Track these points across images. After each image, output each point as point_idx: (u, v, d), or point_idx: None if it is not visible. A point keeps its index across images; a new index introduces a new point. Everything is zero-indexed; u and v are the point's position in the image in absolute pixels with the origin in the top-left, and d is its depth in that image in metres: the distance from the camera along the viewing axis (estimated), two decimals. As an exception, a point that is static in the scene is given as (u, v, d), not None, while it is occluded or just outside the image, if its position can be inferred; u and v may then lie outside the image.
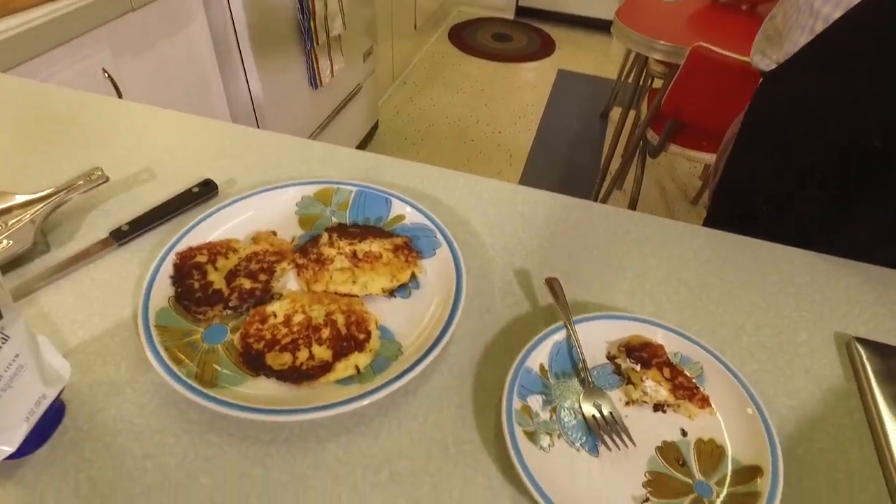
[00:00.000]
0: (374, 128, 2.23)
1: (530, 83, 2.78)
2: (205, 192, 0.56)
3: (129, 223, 0.52)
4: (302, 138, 0.67)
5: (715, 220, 0.77)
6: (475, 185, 0.62)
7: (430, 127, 2.38)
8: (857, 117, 0.58)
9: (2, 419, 0.35)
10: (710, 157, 1.68)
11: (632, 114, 1.97)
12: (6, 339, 0.34)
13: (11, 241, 0.50)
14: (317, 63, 1.63)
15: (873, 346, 0.48)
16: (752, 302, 0.51)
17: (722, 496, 0.37)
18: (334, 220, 0.56)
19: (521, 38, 3.28)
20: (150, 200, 0.55)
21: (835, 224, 0.63)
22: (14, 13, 0.89)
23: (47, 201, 0.53)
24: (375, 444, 0.40)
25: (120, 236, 0.51)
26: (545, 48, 3.19)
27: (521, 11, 3.53)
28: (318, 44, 1.60)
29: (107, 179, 0.56)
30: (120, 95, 1.08)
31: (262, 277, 0.47)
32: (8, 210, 0.52)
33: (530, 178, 2.15)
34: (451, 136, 2.34)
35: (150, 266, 0.47)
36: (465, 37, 3.24)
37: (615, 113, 2.54)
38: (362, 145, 2.14)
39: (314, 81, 1.65)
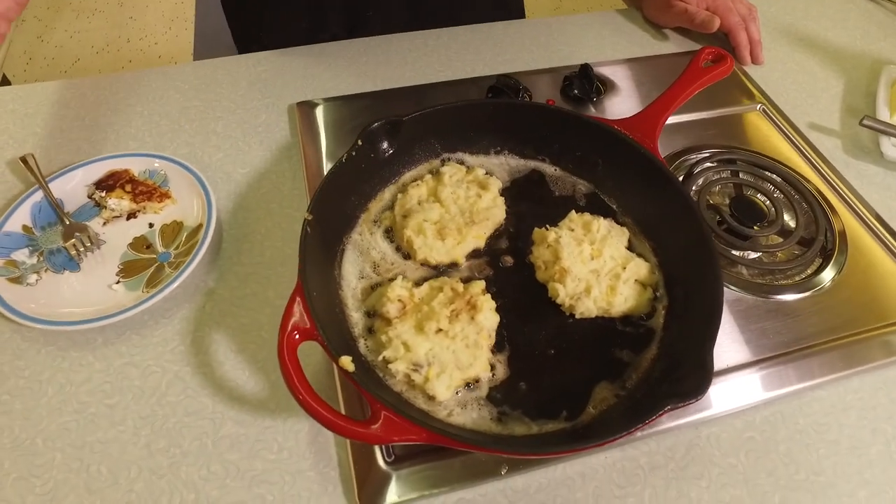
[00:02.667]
0: (5, 84, 1.96)
1: (173, -22, 2.57)
2: None
3: None
4: None
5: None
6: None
7: (76, 63, 2.15)
8: None
9: None
10: None
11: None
12: None
13: None
14: None
15: (315, 104, 0.62)
16: (223, 107, 0.63)
17: (175, 254, 0.50)
18: None
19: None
20: None
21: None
22: None
23: None
24: None
25: None
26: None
27: None
28: None
29: None
30: None
31: None
32: None
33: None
34: (104, 64, 2.15)
35: None
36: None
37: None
38: (-2, 108, 1.89)
39: None
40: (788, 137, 0.63)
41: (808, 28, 0.78)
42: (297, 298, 0.38)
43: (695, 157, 0.59)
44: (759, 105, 0.66)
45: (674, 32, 0.75)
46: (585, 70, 0.63)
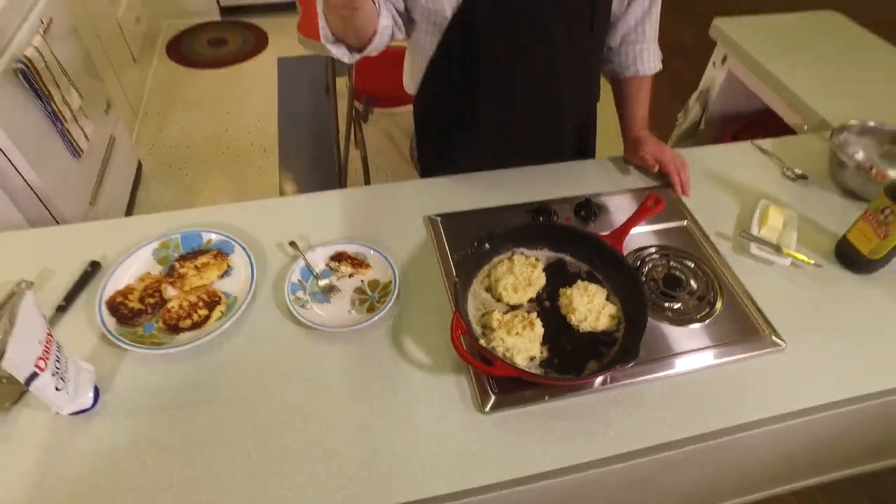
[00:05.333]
0: (140, 168, 2.53)
1: (258, 80, 3.20)
2: (95, 267, 1.01)
3: (64, 299, 0.96)
4: (118, 219, 1.12)
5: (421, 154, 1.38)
6: (255, 208, 1.15)
7: (187, 149, 2.72)
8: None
9: (81, 388, 0.82)
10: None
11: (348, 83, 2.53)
12: (59, 346, 0.79)
13: None
14: (71, 136, 1.92)
15: (436, 219, 1.12)
16: (389, 214, 1.13)
17: (378, 296, 0.99)
18: (176, 254, 1.05)
19: (236, 38, 3.62)
20: (65, 284, 0.99)
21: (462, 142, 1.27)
22: None
23: (2, 309, 0.93)
24: (245, 336, 0.94)
25: (63, 307, 0.95)
26: (260, 42, 3.58)
27: (226, 11, 3.81)
28: (66, 121, 1.89)
29: (31, 284, 0.98)
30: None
31: (156, 295, 0.97)
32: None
33: (286, 160, 2.65)
34: (209, 151, 2.72)
35: (95, 313, 0.93)
36: (184, 50, 3.49)
37: (339, 83, 3.08)
38: (135, 187, 2.44)
39: (75, 152, 1.95)
40: (702, 241, 1.12)
41: (721, 171, 1.29)
42: (457, 315, 0.87)
43: (646, 252, 1.09)
44: (686, 221, 1.16)
45: (639, 172, 1.27)
46: (588, 201, 1.14)
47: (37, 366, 0.69)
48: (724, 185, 1.26)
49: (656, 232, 1.14)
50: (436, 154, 1.34)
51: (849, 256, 1.09)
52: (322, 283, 1.01)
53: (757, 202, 1.20)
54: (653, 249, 1.10)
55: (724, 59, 1.85)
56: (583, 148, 1.39)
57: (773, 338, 0.96)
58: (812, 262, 1.08)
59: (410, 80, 1.27)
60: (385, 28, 1.02)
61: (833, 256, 1.11)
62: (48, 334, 0.73)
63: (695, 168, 1.27)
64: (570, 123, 1.30)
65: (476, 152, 1.27)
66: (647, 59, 1.27)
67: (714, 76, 1.91)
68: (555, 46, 1.10)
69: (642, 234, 1.13)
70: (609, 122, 1.38)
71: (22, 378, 0.68)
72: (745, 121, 1.94)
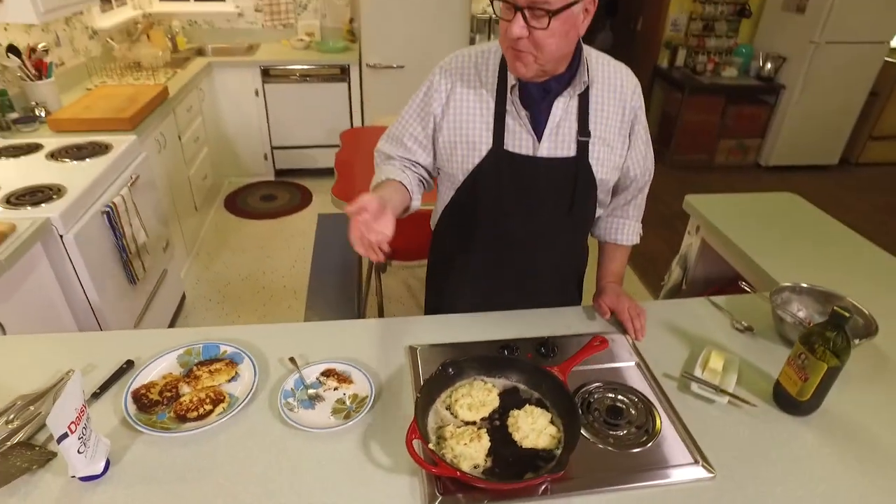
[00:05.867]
0: (183, 298, 2.84)
1: (298, 231, 3.62)
2: (129, 365, 1.23)
3: (100, 387, 1.17)
4: (161, 329, 1.35)
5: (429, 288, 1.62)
6: (270, 329, 1.37)
7: (227, 286, 3.05)
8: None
9: (97, 456, 0.99)
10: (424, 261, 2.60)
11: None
12: (89, 417, 0.97)
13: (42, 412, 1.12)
14: (132, 267, 2.25)
15: (416, 348, 1.32)
16: (379, 345, 1.33)
17: (355, 406, 1.16)
18: (195, 360, 1.26)
19: (285, 195, 4.14)
20: (103, 376, 1.20)
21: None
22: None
23: (49, 392, 1.15)
24: (239, 430, 1.11)
25: (98, 394, 1.16)
26: (304, 199, 4.08)
27: (279, 173, 4.41)
28: (131, 254, 2.23)
29: (73, 371, 1.20)
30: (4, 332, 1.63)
31: (172, 391, 1.16)
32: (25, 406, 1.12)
33: (312, 302, 2.93)
34: (246, 289, 3.04)
35: (121, 401, 1.12)
36: (239, 203, 4.00)
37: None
38: (177, 314, 2.73)
39: (133, 280, 2.26)
40: (648, 379, 1.27)
41: (676, 322, 1.46)
42: (414, 424, 1.02)
43: (593, 386, 1.24)
44: (635, 361, 1.32)
45: (596, 317, 1.45)
46: (546, 340, 1.32)
47: (69, 427, 0.88)
48: (677, 333, 1.43)
49: (608, 369, 1.29)
50: (438, 288, 1.59)
51: (784, 398, 1.21)
52: (310, 392, 1.19)
53: (703, 348, 1.35)
54: (601, 384, 1.25)
55: (698, 229, 2.09)
56: (569, 292, 1.59)
57: (704, 465, 1.07)
58: (749, 402, 1.21)
59: (433, 220, 1.58)
60: (416, 202, 1.36)
61: (772, 399, 1.24)
62: (83, 405, 0.93)
63: (653, 318, 1.45)
64: (553, 278, 1.54)
65: (469, 291, 1.50)
66: (626, 232, 1.53)
67: (691, 242, 2.14)
68: (537, 218, 1.37)
69: (595, 370, 1.29)
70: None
71: (56, 434, 0.86)
72: (724, 281, 2.13)
